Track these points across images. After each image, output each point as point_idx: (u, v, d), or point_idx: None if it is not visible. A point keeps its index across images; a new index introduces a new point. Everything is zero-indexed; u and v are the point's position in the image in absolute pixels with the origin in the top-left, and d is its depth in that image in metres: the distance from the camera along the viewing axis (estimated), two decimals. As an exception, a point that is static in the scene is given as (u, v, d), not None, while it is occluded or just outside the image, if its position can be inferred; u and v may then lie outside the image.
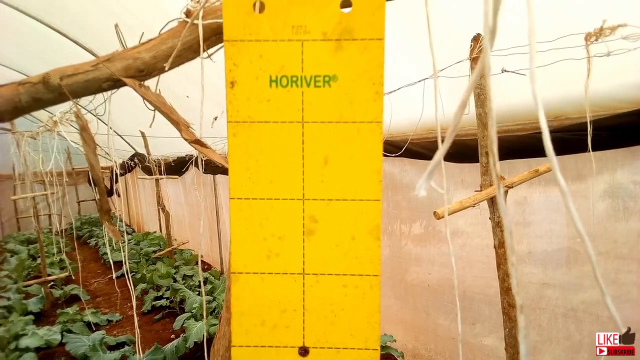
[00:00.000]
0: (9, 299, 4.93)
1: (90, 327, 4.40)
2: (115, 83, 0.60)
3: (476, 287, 2.67)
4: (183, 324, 4.07)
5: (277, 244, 0.50)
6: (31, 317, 4.54)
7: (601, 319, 2.05)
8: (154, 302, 5.00)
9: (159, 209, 6.38)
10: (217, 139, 4.25)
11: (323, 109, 0.46)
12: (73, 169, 10.19)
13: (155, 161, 6.30)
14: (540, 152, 1.98)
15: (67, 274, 5.25)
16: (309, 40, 0.45)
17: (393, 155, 2.77)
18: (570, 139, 1.86)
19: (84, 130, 0.64)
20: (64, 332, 4.08)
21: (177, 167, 6.26)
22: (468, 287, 2.70)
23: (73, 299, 5.40)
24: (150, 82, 0.70)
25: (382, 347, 3.20)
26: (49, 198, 5.04)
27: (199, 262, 1.01)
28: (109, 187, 9.80)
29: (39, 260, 5.67)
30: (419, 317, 3.15)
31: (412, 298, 3.19)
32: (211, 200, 6.01)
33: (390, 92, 2.40)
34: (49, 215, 7.84)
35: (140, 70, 0.60)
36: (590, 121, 1.50)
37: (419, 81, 2.14)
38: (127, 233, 9.63)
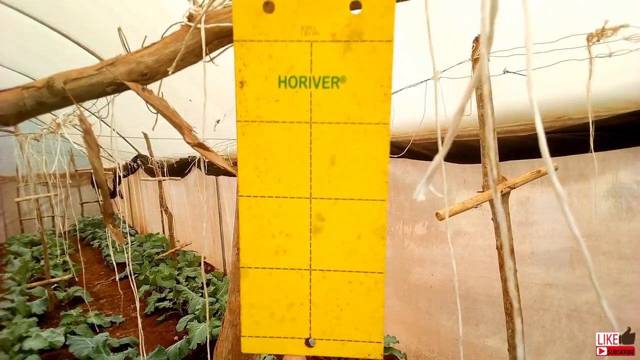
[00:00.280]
0: (12, 301, 4.94)
1: (94, 329, 4.40)
2: (118, 87, 0.61)
3: (479, 287, 2.67)
4: (186, 325, 4.08)
5: (285, 240, 0.52)
6: (35, 319, 4.55)
7: (605, 319, 2.04)
8: (157, 304, 5.01)
9: (161, 211, 6.39)
10: (220, 140, 4.26)
11: (331, 110, 0.47)
12: (76, 170, 10.22)
13: (158, 163, 6.31)
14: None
15: (70, 275, 5.26)
16: (318, 41, 0.45)
17: (395, 156, 2.77)
18: (573, 139, 1.86)
19: (87, 133, 0.64)
20: (67, 334, 4.09)
21: (180, 168, 6.28)
22: (471, 287, 2.69)
23: (76, 301, 5.41)
24: (154, 85, 0.71)
25: (385, 349, 3.20)
26: (52, 200, 5.04)
27: (202, 264, 1.01)
28: (112, 189, 9.82)
29: (42, 262, 5.69)
30: (421, 318, 3.15)
31: (414, 299, 3.19)
32: (214, 202, 6.02)
33: (393, 93, 2.40)
34: (52, 217, 7.87)
35: (143, 74, 0.60)
36: (592, 122, 1.50)
37: (421, 82, 2.14)
38: (130, 234, 9.65)
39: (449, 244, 2.78)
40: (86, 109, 1.70)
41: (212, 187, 5.99)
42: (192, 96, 3.79)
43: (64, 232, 5.34)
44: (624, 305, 1.99)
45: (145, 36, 0.73)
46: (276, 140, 0.49)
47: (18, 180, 7.98)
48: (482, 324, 2.68)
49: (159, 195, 6.28)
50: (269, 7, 0.46)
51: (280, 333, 0.54)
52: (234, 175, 0.56)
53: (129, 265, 2.04)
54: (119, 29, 0.77)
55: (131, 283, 2.12)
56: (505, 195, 1.59)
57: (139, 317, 2.09)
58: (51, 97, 0.60)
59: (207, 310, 1.11)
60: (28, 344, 3.84)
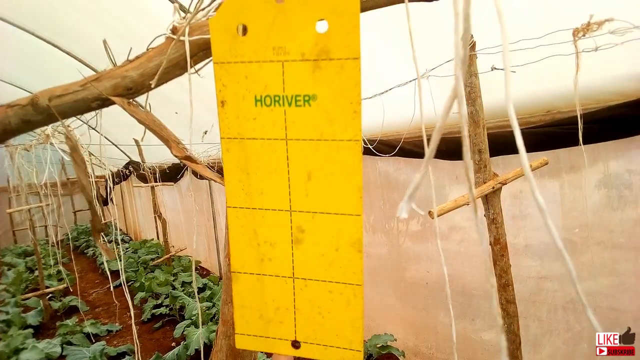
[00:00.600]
0: (7, 312, 4.89)
1: (90, 338, 4.37)
2: (104, 102, 0.60)
3: (475, 282, 2.68)
4: (183, 331, 4.07)
5: (270, 249, 0.54)
6: (30, 330, 4.52)
7: (600, 310, 2.06)
8: (153, 311, 4.98)
9: (155, 217, 6.36)
10: (212, 144, 4.25)
11: (305, 127, 0.48)
12: (68, 179, 10.16)
13: (150, 168, 6.28)
14: (533, 146, 2.00)
15: (65, 285, 5.22)
16: (289, 60, 0.46)
17: (387, 155, 2.77)
18: (562, 133, 1.87)
19: (74, 151, 0.64)
20: (64, 345, 4.06)
21: (172, 173, 6.25)
22: (467, 282, 2.70)
23: (72, 311, 5.37)
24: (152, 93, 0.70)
25: (383, 347, 3.21)
26: (44, 210, 5.01)
27: (193, 269, 1.00)
28: (104, 196, 9.76)
29: (36, 273, 5.65)
30: (419, 315, 3.16)
31: (411, 296, 3.20)
32: (207, 206, 6.00)
33: (383, 93, 2.40)
34: (45, 227, 7.81)
35: (128, 88, 0.59)
36: (580, 116, 1.51)
37: (410, 81, 2.15)
38: (124, 241, 9.60)
39: (445, 239, 2.79)
40: (77, 118, 1.69)
41: (205, 191, 5.97)
42: (182, 102, 3.77)
43: (57, 242, 5.31)
44: (619, 295, 2.00)
45: (131, 48, 0.73)
46: (256, 156, 0.51)
47: (9, 191, 7.89)
48: (479, 318, 2.70)
49: (152, 201, 6.25)
50: (242, 30, 0.47)
51: (269, 334, 0.57)
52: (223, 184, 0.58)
53: (122, 274, 2.03)
54: (104, 41, 0.76)
55: (125, 291, 2.11)
56: (497, 191, 1.60)
57: (134, 325, 2.09)
58: (36, 114, 0.59)
59: (200, 315, 1.10)
60: (24, 356, 3.81)
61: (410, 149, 2.66)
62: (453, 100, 0.25)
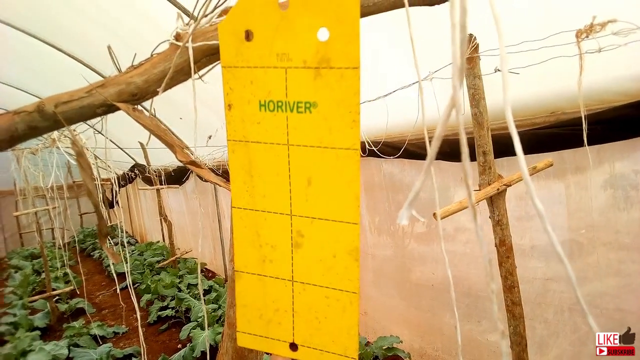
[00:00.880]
0: (14, 315, 4.92)
1: (97, 340, 4.39)
2: (109, 108, 0.61)
3: (481, 283, 2.67)
4: (189, 333, 4.08)
5: (271, 251, 0.55)
6: (38, 332, 4.54)
7: (607, 311, 2.05)
8: (159, 313, 5.00)
9: (161, 219, 6.38)
10: (218, 147, 4.27)
11: (305, 134, 0.49)
12: (74, 182, 10.19)
13: (155, 171, 6.31)
14: (538, 148, 1.99)
15: (71, 287, 5.25)
16: (292, 67, 0.47)
17: (391, 157, 2.77)
18: (567, 134, 1.86)
19: (80, 156, 0.64)
20: (71, 347, 4.08)
21: (178, 176, 6.27)
22: (473, 284, 2.69)
23: (79, 313, 5.40)
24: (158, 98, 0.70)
25: (389, 349, 3.20)
26: (50, 212, 5.04)
27: (198, 271, 1.01)
28: (110, 199, 9.80)
29: (43, 275, 5.67)
30: (424, 317, 3.15)
31: (417, 298, 3.19)
32: (213, 208, 6.01)
33: (386, 95, 2.40)
34: (52, 230, 7.87)
35: (133, 94, 0.60)
36: (585, 117, 1.51)
37: (413, 83, 2.15)
38: (131, 244, 9.63)
39: (451, 240, 2.78)
40: (84, 122, 1.71)
41: (210, 194, 5.99)
42: (186, 104, 3.79)
43: (64, 244, 5.32)
44: (625, 296, 1.99)
45: (135, 54, 0.74)
46: (260, 159, 0.52)
47: (16, 194, 7.95)
48: (485, 319, 2.69)
49: (158, 203, 6.28)
50: (249, 35, 0.48)
51: (268, 334, 0.58)
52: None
53: (128, 276, 2.05)
54: (109, 47, 0.77)
55: (131, 294, 2.12)
56: (502, 192, 1.60)
57: (140, 327, 2.10)
58: (43, 121, 0.60)
59: (206, 317, 1.11)
60: (32, 358, 3.83)
61: (414, 150, 2.66)
62: (451, 110, 0.25)
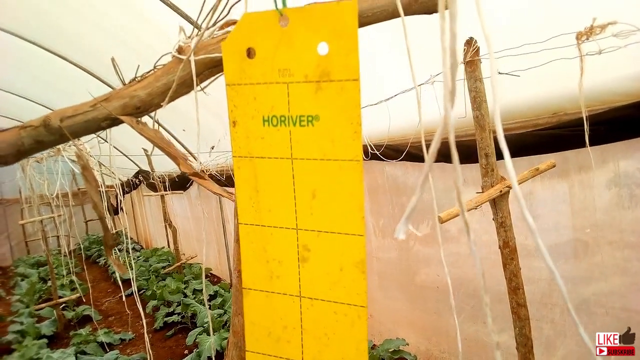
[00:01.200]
0: (21, 323, 4.95)
1: (104, 347, 4.41)
2: (113, 121, 0.62)
3: (486, 285, 2.66)
4: (195, 339, 4.09)
5: (278, 267, 0.55)
6: (45, 340, 4.56)
7: (613, 310, 2.04)
8: (165, 319, 5.01)
9: (165, 225, 6.40)
10: (221, 152, 4.28)
11: (309, 147, 0.49)
12: (79, 189, 10.24)
13: (159, 177, 6.33)
14: (541, 149, 1.99)
15: (78, 295, 5.27)
16: (293, 82, 0.48)
17: (394, 160, 2.77)
18: (569, 134, 1.86)
19: (85, 169, 0.65)
20: (78, 354, 4.10)
21: (182, 182, 6.30)
22: (479, 285, 2.67)
23: (85, 320, 5.42)
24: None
25: (395, 352, 3.20)
26: (56, 220, 5.07)
27: (203, 277, 1.02)
28: (114, 206, 9.82)
29: (49, 283, 5.70)
30: (430, 319, 3.15)
31: (422, 300, 3.19)
32: (217, 213, 6.02)
33: (388, 99, 2.41)
34: (57, 237, 7.90)
35: (137, 107, 0.61)
36: (586, 118, 1.51)
37: (412, 89, 2.15)
38: (135, 250, 9.66)
39: (455, 242, 2.78)
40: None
41: (214, 199, 6.00)
42: (189, 111, 3.80)
43: (70, 252, 5.36)
44: (631, 295, 1.98)
45: (138, 66, 0.75)
46: (265, 174, 0.52)
47: (22, 202, 8.00)
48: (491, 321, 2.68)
49: (162, 209, 6.29)
50: (250, 53, 0.49)
51: (278, 352, 0.57)
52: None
53: (133, 282, 2.06)
54: (113, 59, 0.78)
55: (136, 300, 2.13)
56: (505, 194, 1.60)
57: (146, 333, 2.10)
58: (48, 135, 0.61)
59: (211, 324, 1.12)
60: (39, 366, 3.85)
61: (417, 153, 2.66)
62: (443, 129, 0.26)
